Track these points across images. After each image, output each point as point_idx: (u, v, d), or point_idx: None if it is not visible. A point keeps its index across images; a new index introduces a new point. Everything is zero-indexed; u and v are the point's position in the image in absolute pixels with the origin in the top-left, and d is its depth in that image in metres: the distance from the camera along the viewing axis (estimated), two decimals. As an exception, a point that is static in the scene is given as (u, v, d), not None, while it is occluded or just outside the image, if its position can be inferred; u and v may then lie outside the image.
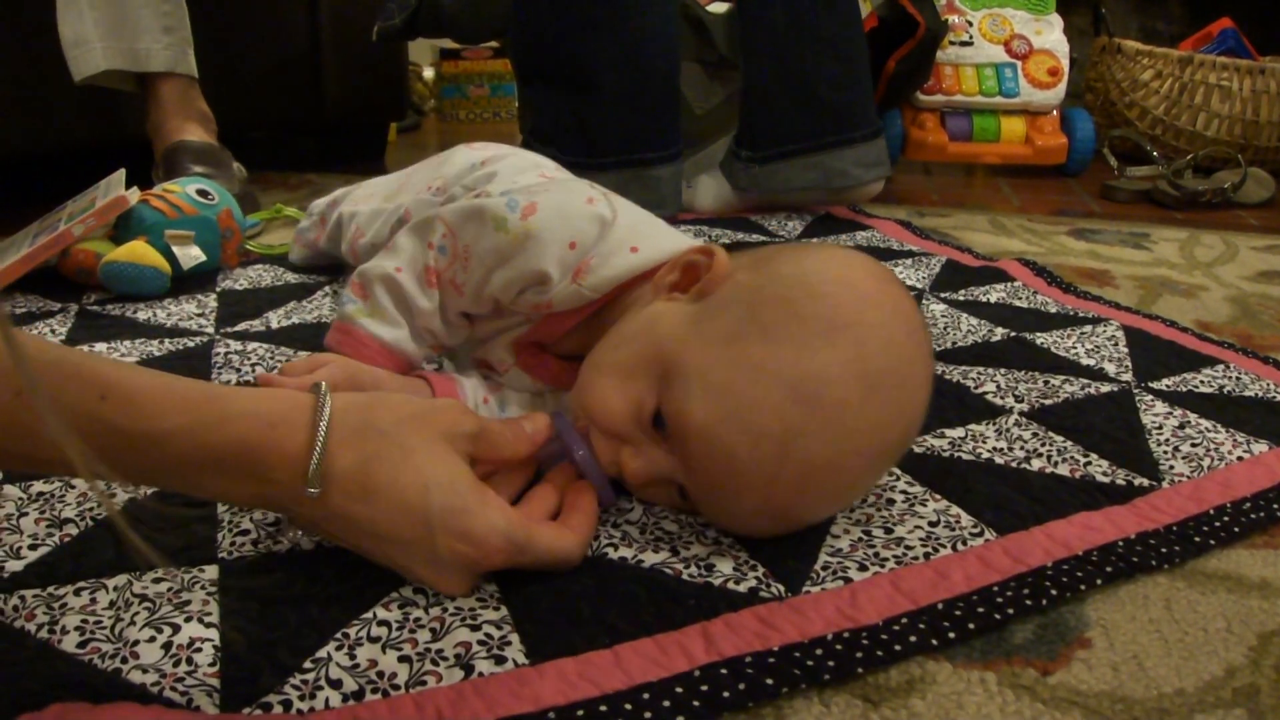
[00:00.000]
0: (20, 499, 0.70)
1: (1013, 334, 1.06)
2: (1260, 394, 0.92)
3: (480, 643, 0.55)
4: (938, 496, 0.72)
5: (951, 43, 1.94)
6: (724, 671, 0.53)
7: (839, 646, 0.56)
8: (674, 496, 0.66)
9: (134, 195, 1.19)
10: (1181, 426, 0.85)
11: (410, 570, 0.59)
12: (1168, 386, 0.93)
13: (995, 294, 1.20)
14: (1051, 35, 1.99)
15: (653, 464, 0.64)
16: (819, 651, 0.55)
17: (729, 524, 0.66)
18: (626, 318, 0.71)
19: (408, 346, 0.78)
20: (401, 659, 0.54)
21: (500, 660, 0.54)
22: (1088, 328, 1.09)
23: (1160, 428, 0.84)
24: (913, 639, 0.57)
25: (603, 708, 0.50)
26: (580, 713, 0.50)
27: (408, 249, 0.77)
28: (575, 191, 0.78)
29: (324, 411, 0.57)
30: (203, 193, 1.24)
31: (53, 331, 1.03)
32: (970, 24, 1.98)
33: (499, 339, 0.80)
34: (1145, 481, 0.75)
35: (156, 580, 0.61)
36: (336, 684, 0.52)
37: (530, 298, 0.74)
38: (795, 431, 0.58)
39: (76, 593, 0.59)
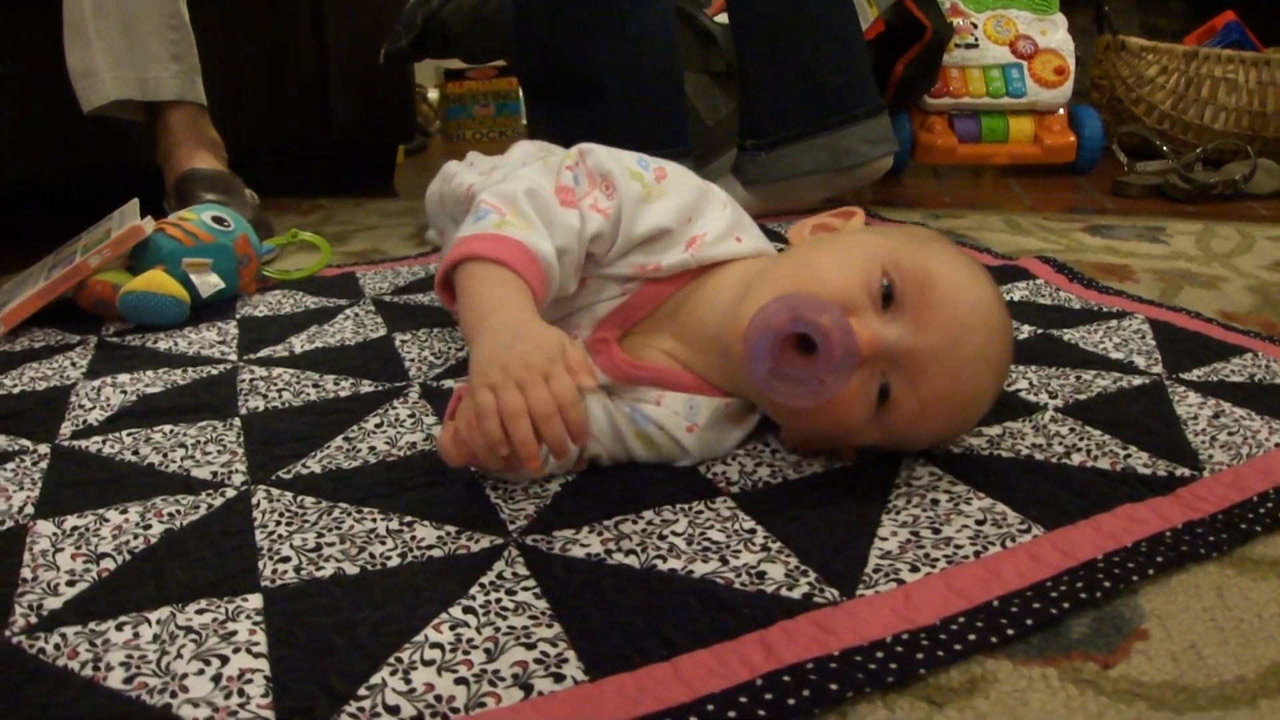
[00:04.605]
0: (55, 534, 0.69)
1: (1039, 331, 1.06)
2: (1292, 381, 0.91)
3: (537, 661, 0.54)
4: (981, 495, 0.72)
5: (957, 45, 1.94)
6: (787, 679, 0.52)
7: (899, 648, 0.55)
8: (871, 399, 0.68)
9: (149, 224, 1.19)
10: (1216, 416, 0.84)
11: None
12: (1199, 377, 0.93)
13: (1018, 292, 1.20)
14: (1056, 34, 1.99)
15: (881, 331, 0.67)
16: (880, 654, 0.54)
17: (933, 403, 0.69)
18: (784, 253, 0.78)
19: (552, 259, 0.73)
20: (458, 681, 0.53)
21: (559, 678, 0.53)
22: (1113, 322, 1.08)
23: (1195, 418, 0.84)
24: (971, 638, 0.56)
25: (666, 720, 0.50)
26: (644, 727, 0.49)
27: (533, 175, 0.76)
28: (702, 182, 0.83)
29: None
30: (219, 220, 1.24)
31: (73, 364, 1.03)
32: (975, 26, 1.98)
33: (588, 310, 0.81)
34: (1186, 472, 0.75)
35: (200, 611, 0.60)
36: (394, 710, 0.51)
37: (639, 258, 0.77)
38: (993, 294, 0.71)
39: (119, 628, 0.59)
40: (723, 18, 1.76)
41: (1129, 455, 0.77)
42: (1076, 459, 0.77)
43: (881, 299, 0.68)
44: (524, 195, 0.73)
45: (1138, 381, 0.92)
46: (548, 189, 0.74)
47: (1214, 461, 0.76)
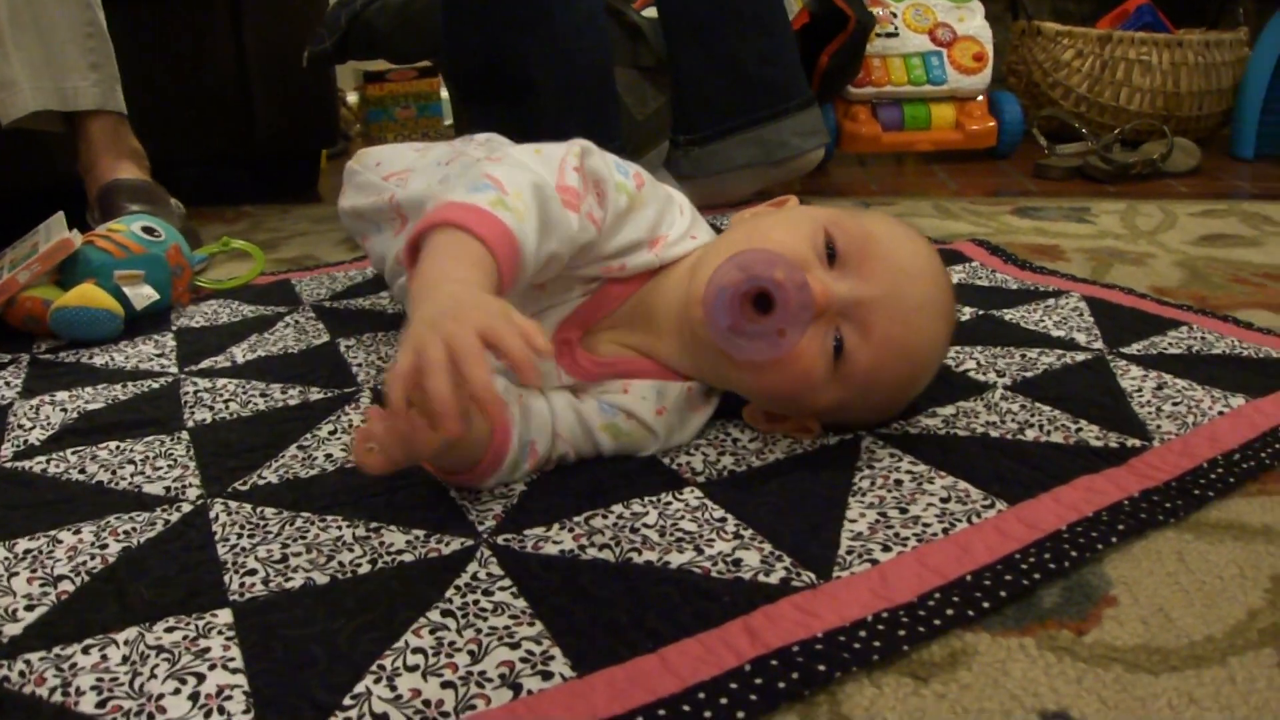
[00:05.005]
0: (7, 558, 0.67)
1: (981, 312, 1.08)
2: (1227, 351, 0.94)
3: (523, 660, 0.54)
4: (943, 473, 0.73)
5: (878, 34, 1.97)
6: (774, 663, 0.53)
7: (880, 627, 0.56)
8: (828, 352, 0.71)
9: (77, 237, 1.16)
10: (1160, 388, 0.86)
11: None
12: (1138, 351, 0.95)
13: (956, 275, 1.22)
14: (974, 21, 2.03)
15: (833, 286, 0.70)
16: (862, 634, 0.55)
17: (888, 350, 0.72)
18: (724, 234, 0.80)
19: (531, 256, 0.67)
20: (445, 685, 0.53)
21: (547, 676, 0.53)
22: (1050, 301, 1.11)
23: (1140, 390, 0.86)
24: (949, 612, 0.57)
25: (661, 712, 0.50)
26: (639, 719, 0.49)
27: (535, 165, 0.71)
28: (665, 187, 0.85)
29: None
30: (149, 230, 1.21)
31: (7, 384, 1.00)
32: (895, 15, 2.01)
33: (551, 311, 0.80)
34: (1137, 442, 0.77)
35: (169, 630, 0.58)
36: (383, 717, 0.51)
37: (607, 261, 0.78)
38: (930, 253, 0.75)
39: (85, 651, 0.57)
40: (650, 11, 1.76)
41: (1080, 429, 0.79)
42: (1030, 434, 0.79)
43: (827, 258, 0.72)
44: (530, 187, 0.68)
45: (1080, 358, 0.94)
46: (552, 186, 0.70)
47: (1163, 431, 0.78)
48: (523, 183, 0.68)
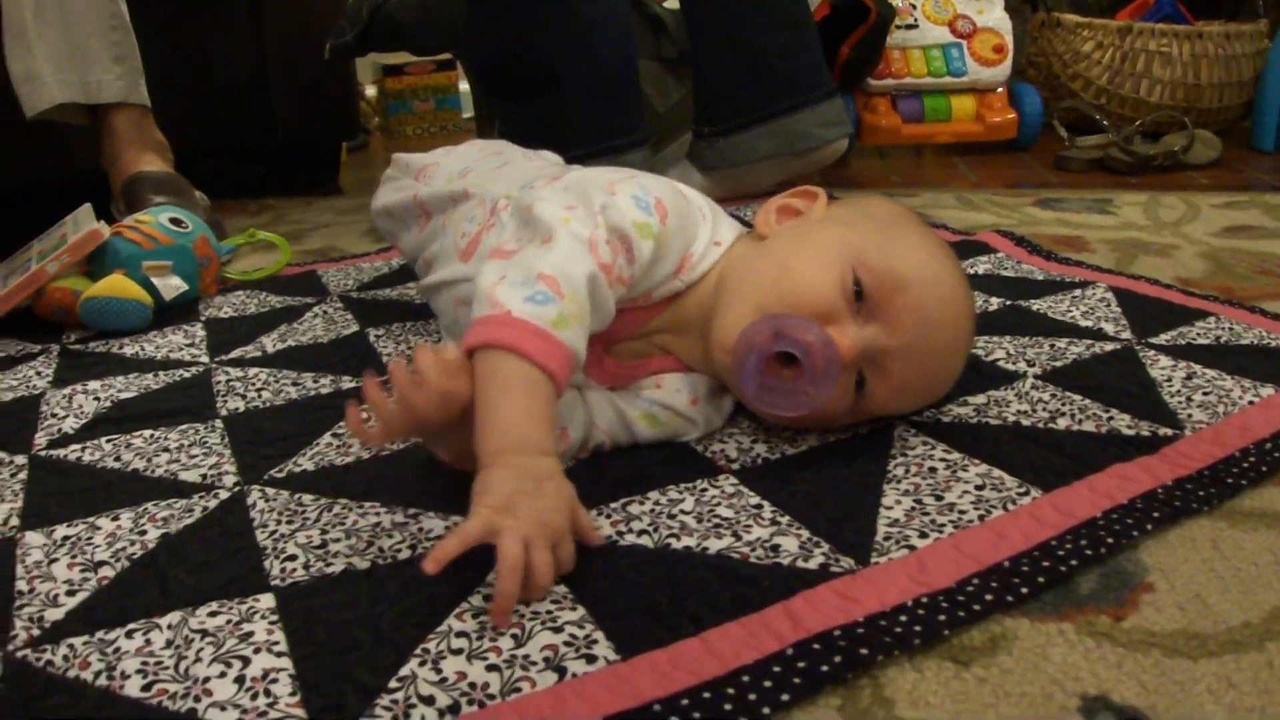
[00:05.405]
0: (46, 544, 0.68)
1: (1008, 302, 1.08)
2: (1255, 341, 0.94)
3: (566, 644, 0.54)
4: (976, 461, 0.73)
5: (897, 26, 1.97)
6: (817, 646, 0.53)
7: (920, 611, 0.56)
8: (849, 393, 0.72)
9: (105, 228, 1.17)
10: (1189, 378, 0.86)
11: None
12: (1167, 341, 0.95)
13: (982, 266, 1.22)
14: (994, 13, 2.03)
15: (859, 337, 0.71)
16: (903, 618, 0.55)
17: (905, 389, 0.74)
18: (758, 247, 0.78)
19: (584, 351, 0.68)
20: (490, 668, 0.53)
21: (591, 659, 0.53)
22: (1077, 291, 1.11)
23: (1169, 380, 0.86)
24: (988, 598, 0.57)
25: (705, 694, 0.50)
26: (684, 702, 0.50)
27: (579, 249, 0.69)
28: (680, 188, 0.81)
29: None
30: (176, 221, 1.22)
31: (38, 374, 1.00)
32: (914, 7, 2.01)
33: None
34: (1168, 431, 0.77)
35: (212, 614, 0.59)
36: (429, 700, 0.51)
37: (633, 294, 0.76)
38: (957, 279, 0.74)
39: (128, 635, 0.57)
40: (672, 3, 1.76)
41: (1111, 418, 0.79)
42: (1062, 423, 0.79)
43: (855, 296, 0.71)
44: (586, 282, 0.67)
45: (1109, 347, 0.94)
46: (601, 275, 0.69)
47: (1194, 420, 0.78)
48: (577, 280, 0.67)
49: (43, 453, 0.82)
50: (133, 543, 0.67)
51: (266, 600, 0.60)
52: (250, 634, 0.57)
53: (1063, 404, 0.82)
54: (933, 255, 0.74)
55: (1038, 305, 1.06)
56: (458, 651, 0.54)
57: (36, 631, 0.58)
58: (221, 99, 1.91)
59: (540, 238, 0.70)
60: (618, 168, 0.82)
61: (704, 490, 0.71)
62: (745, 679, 0.51)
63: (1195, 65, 2.08)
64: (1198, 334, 0.97)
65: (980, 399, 0.84)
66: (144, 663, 0.55)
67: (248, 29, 1.91)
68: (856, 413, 0.75)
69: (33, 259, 1.17)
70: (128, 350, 1.07)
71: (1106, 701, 0.50)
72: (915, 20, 2.00)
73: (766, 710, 0.49)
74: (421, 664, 0.54)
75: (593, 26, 1.44)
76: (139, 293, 1.12)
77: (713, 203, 0.84)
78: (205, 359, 1.03)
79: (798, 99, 1.58)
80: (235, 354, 1.04)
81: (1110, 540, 0.63)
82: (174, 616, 0.59)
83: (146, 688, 0.53)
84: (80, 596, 0.62)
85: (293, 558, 0.64)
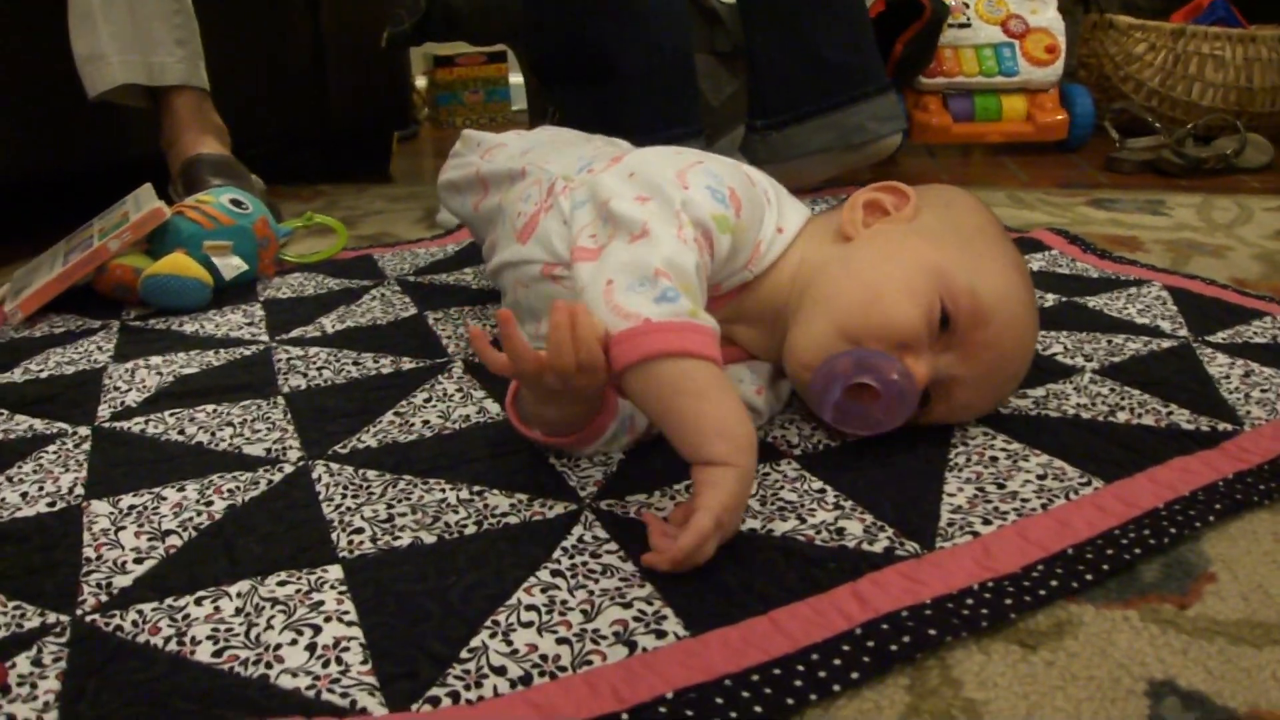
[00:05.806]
0: (112, 513, 0.69)
1: (1064, 299, 1.08)
2: (1314, 342, 0.94)
3: (636, 619, 0.55)
4: (1037, 452, 0.73)
5: (950, 25, 1.96)
6: (885, 626, 0.54)
7: (986, 595, 0.56)
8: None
9: (166, 208, 1.19)
10: (1247, 375, 0.86)
11: None
12: (1223, 339, 0.95)
13: (1036, 263, 1.22)
14: (1047, 13, 2.01)
15: (933, 365, 0.72)
16: (970, 601, 0.56)
17: (966, 409, 0.76)
18: (844, 255, 0.77)
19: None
20: (560, 641, 0.54)
21: (661, 635, 0.54)
22: (1133, 289, 1.10)
23: (1227, 377, 0.86)
24: (1054, 584, 0.58)
25: (776, 671, 0.51)
26: (755, 678, 0.50)
27: (673, 237, 0.69)
28: (746, 170, 0.81)
29: None
30: (236, 202, 1.24)
31: (99, 349, 1.02)
32: (967, 6, 2.00)
33: None
34: (1227, 426, 0.77)
35: (282, 584, 0.60)
36: (500, 671, 0.52)
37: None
38: (1032, 307, 0.75)
39: (198, 602, 0.58)
40: (728, -3, 1.77)
41: (1170, 413, 0.79)
42: (1122, 417, 0.79)
43: (940, 323, 0.72)
44: (694, 270, 0.68)
45: (1166, 344, 0.94)
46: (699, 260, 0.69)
47: (1252, 417, 0.78)
48: (690, 271, 0.67)
49: (106, 424, 0.84)
50: (199, 513, 0.69)
51: (335, 571, 0.61)
52: (320, 603, 0.58)
53: (1121, 398, 0.82)
54: (1013, 283, 0.74)
55: (1094, 302, 1.06)
56: (528, 624, 0.55)
57: (105, 598, 0.59)
58: (278, 85, 1.93)
59: (628, 233, 0.69)
60: (680, 149, 0.81)
61: (766, 474, 0.71)
62: (815, 657, 0.52)
63: (1248, 69, 2.06)
64: (1254, 333, 0.96)
65: (1039, 392, 0.84)
66: (214, 629, 0.56)
67: (306, 16, 1.93)
68: (910, 420, 0.75)
69: (94, 236, 1.19)
70: (187, 328, 1.08)
71: (1173, 686, 0.51)
72: (968, 19, 1.99)
73: (836, 687, 0.50)
74: (492, 636, 0.54)
75: (650, 16, 1.44)
76: (200, 271, 1.14)
77: (775, 182, 0.83)
78: (265, 338, 1.04)
79: (853, 92, 1.57)
80: (295, 333, 1.05)
81: (1173, 530, 0.63)
82: (243, 585, 0.60)
83: (218, 654, 0.54)
84: (148, 564, 0.63)
85: (359, 530, 0.65)
